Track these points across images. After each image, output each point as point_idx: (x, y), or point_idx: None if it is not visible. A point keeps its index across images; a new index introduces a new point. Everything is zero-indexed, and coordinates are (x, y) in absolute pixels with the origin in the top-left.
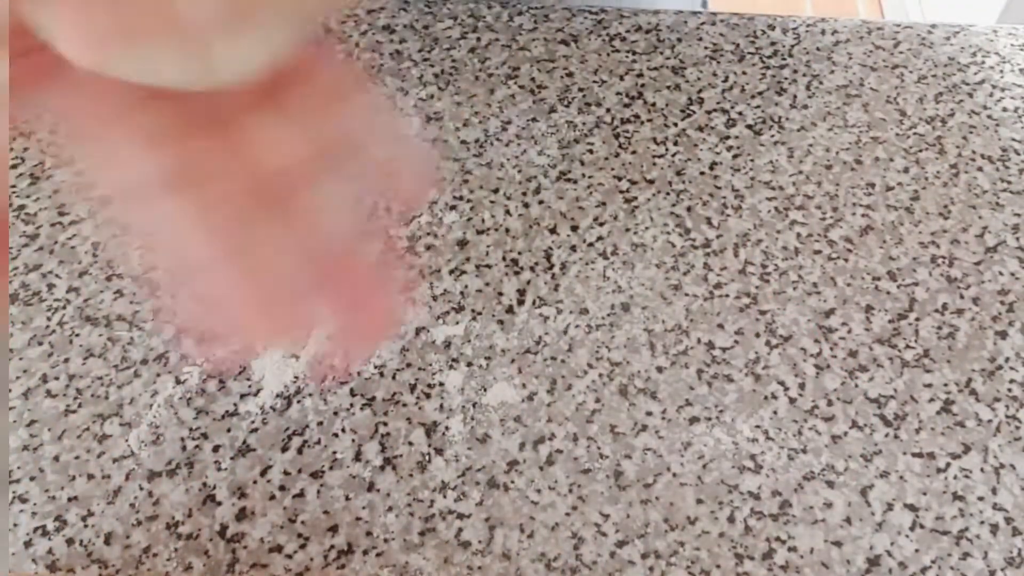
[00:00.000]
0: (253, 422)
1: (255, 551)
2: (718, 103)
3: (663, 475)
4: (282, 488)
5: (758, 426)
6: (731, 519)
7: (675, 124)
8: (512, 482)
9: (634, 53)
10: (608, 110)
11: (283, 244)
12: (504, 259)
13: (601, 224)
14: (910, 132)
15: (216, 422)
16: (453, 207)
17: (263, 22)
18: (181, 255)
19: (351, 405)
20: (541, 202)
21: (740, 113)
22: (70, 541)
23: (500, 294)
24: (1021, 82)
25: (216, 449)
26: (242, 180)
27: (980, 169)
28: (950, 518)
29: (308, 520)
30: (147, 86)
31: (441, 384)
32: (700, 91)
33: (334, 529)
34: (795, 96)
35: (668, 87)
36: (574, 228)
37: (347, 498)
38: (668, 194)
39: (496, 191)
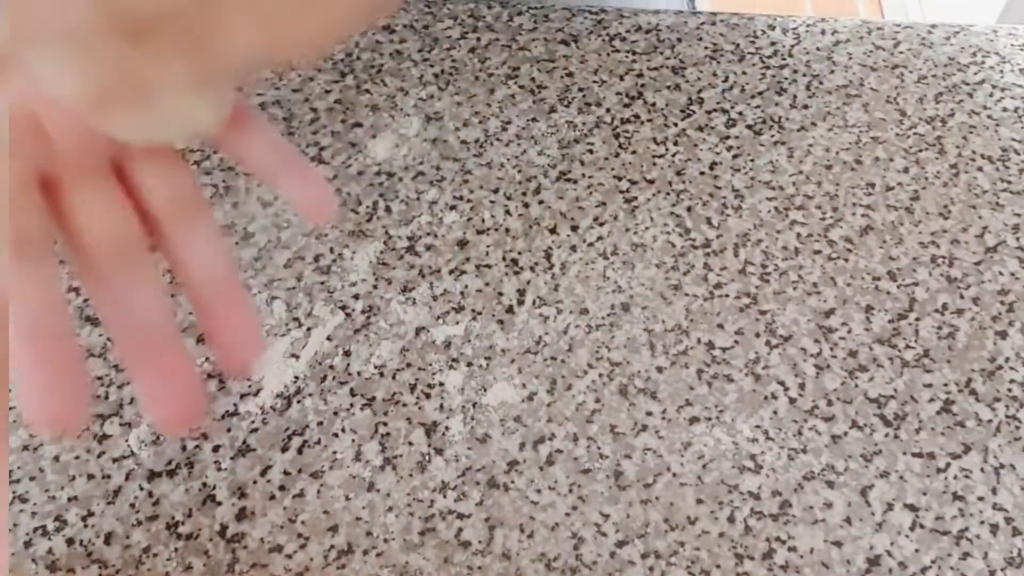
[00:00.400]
0: (253, 422)
1: (255, 551)
2: (718, 103)
3: (663, 475)
4: (282, 488)
5: (758, 426)
6: (731, 519)
7: (675, 124)
8: (512, 482)
9: (634, 53)
10: (608, 110)
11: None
12: (504, 259)
13: (601, 224)
14: (910, 132)
15: (216, 422)
16: (453, 207)
17: (221, 84)
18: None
19: (351, 405)
20: (541, 202)
21: (740, 113)
22: (70, 541)
23: (500, 294)
24: (1021, 82)
25: (216, 449)
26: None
27: (980, 169)
28: (950, 518)
29: (308, 520)
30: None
31: (441, 384)
32: (700, 91)
33: (334, 529)
34: (795, 96)
35: (668, 87)
36: (574, 228)
37: (347, 498)
38: (668, 194)
39: (496, 191)
